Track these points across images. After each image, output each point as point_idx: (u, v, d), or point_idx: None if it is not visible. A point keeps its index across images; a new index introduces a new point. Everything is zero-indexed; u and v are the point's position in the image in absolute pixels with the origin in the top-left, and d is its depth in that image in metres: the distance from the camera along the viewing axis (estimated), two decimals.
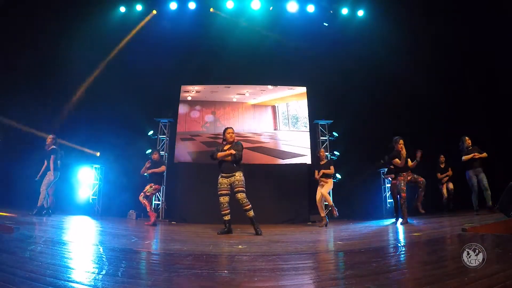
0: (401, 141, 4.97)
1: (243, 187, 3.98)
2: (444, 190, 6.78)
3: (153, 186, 5.51)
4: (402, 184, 4.94)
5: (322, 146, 8.17)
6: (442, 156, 6.81)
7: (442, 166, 6.81)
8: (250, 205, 3.92)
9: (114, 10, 8.25)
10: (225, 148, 4.13)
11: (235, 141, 4.21)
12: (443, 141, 6.99)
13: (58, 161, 5.66)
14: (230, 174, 4.03)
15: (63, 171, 6.74)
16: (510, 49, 6.43)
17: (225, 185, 4.02)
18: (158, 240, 3.64)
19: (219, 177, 4.07)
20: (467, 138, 5.67)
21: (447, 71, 7.65)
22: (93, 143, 7.50)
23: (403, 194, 4.90)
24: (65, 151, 6.27)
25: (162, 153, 8.02)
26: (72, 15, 7.70)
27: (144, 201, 5.43)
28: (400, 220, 5.15)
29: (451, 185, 6.77)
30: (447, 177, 6.77)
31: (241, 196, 3.93)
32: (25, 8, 7.22)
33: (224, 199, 4.01)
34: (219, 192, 4.02)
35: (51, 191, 5.60)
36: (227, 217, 4.01)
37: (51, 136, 5.69)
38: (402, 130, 7.15)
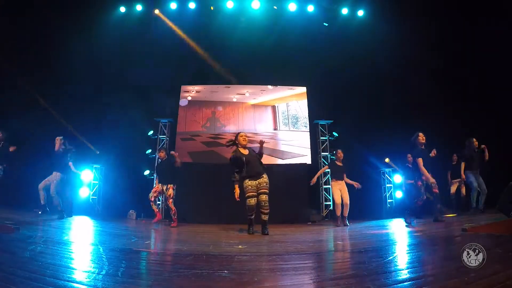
0: (421, 134, 4.81)
1: (268, 189, 4.11)
2: (453, 187, 6.80)
3: (173, 187, 5.58)
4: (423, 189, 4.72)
5: (322, 146, 8.17)
6: (454, 155, 6.82)
7: (454, 163, 6.81)
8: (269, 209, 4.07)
9: (114, 10, 8.25)
10: (243, 152, 4.18)
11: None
12: (443, 141, 6.98)
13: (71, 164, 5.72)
14: (259, 176, 4.13)
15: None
16: (510, 49, 6.44)
17: (254, 187, 4.07)
18: (158, 240, 3.64)
19: (247, 181, 4.08)
20: (475, 139, 5.74)
21: (447, 71, 7.65)
22: (93, 143, 7.49)
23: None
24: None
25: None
26: (72, 15, 7.69)
27: (174, 207, 5.49)
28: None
29: (463, 190, 6.78)
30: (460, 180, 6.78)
31: (266, 197, 4.06)
32: (24, 9, 7.22)
33: (255, 201, 4.04)
34: (248, 194, 4.03)
35: (43, 189, 5.56)
36: (252, 217, 4.10)
37: (59, 138, 5.60)
38: (402, 130, 7.16)
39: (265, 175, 4.16)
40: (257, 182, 4.09)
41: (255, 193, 4.06)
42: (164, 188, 5.53)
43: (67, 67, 7.45)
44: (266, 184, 4.10)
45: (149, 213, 7.55)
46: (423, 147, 4.76)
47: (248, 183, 4.07)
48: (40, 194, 5.47)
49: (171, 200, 5.46)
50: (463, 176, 5.90)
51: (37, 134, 6.60)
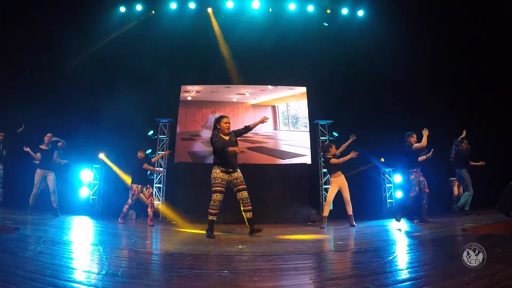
0: (415, 135, 5.03)
1: (245, 184, 3.73)
2: (455, 189, 6.81)
3: (149, 188, 5.63)
4: (415, 182, 4.88)
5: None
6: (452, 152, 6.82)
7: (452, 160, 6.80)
8: (251, 206, 3.72)
9: (114, 10, 8.25)
10: (226, 138, 3.76)
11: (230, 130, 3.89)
12: (444, 141, 6.99)
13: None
14: (234, 170, 3.71)
15: (63, 171, 6.77)
16: (510, 49, 6.44)
17: (224, 182, 3.64)
18: (158, 240, 3.64)
19: (217, 171, 3.64)
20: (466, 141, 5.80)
21: (447, 71, 7.65)
22: (93, 143, 7.49)
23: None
24: (64, 151, 6.30)
25: (162, 153, 8.02)
26: (72, 15, 7.69)
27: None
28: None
29: (461, 189, 6.79)
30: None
31: (246, 194, 3.68)
32: (24, 8, 7.22)
33: (220, 197, 3.59)
34: (215, 188, 3.59)
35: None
36: (214, 218, 3.61)
37: (49, 134, 5.79)
38: (402, 130, 7.15)
39: (238, 169, 3.76)
40: (229, 176, 3.66)
41: (224, 189, 3.61)
42: (144, 188, 5.55)
43: (66, 66, 7.46)
44: (242, 180, 3.70)
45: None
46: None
47: (219, 174, 3.61)
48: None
49: (152, 198, 5.58)
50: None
51: (36, 133, 6.61)
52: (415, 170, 4.95)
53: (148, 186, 5.62)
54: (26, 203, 5.55)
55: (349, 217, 5.22)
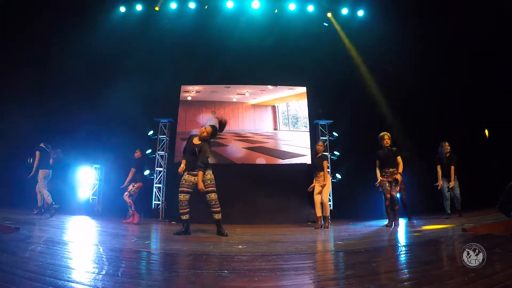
0: (386, 137, 4.93)
1: (215, 187, 3.82)
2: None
3: (136, 185, 5.57)
4: (387, 185, 4.77)
5: None
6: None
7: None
8: (220, 208, 3.81)
9: (114, 10, 8.25)
10: (193, 140, 3.97)
11: (206, 139, 3.96)
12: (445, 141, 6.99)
13: (50, 160, 5.81)
14: (196, 172, 3.80)
15: (63, 171, 6.78)
16: (509, 50, 6.44)
17: (190, 183, 3.80)
18: (158, 240, 3.64)
19: (185, 173, 3.84)
20: (446, 144, 5.64)
21: (448, 71, 7.65)
22: (93, 143, 7.50)
23: (388, 195, 4.74)
24: (64, 151, 6.30)
25: (161, 153, 8.02)
26: (72, 15, 7.70)
27: (129, 200, 5.48)
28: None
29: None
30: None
31: (214, 196, 3.79)
32: (25, 8, 7.22)
33: (185, 197, 3.79)
34: (180, 189, 3.79)
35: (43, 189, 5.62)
36: (185, 217, 3.82)
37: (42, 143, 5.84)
38: (402, 130, 7.17)
39: (207, 172, 3.82)
40: (194, 179, 3.78)
41: (190, 190, 3.79)
42: (132, 184, 5.57)
43: (66, 66, 7.45)
44: (210, 182, 3.79)
45: (150, 213, 7.56)
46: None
47: (185, 176, 3.82)
48: (38, 196, 5.55)
49: (127, 193, 5.48)
50: (453, 182, 5.46)
51: (36, 132, 6.61)
52: (383, 173, 4.85)
53: (138, 183, 5.58)
54: (25, 203, 5.55)
55: (325, 218, 5.18)
